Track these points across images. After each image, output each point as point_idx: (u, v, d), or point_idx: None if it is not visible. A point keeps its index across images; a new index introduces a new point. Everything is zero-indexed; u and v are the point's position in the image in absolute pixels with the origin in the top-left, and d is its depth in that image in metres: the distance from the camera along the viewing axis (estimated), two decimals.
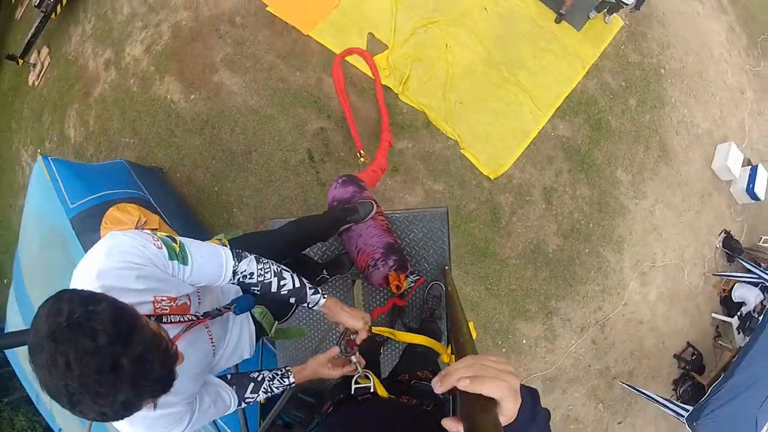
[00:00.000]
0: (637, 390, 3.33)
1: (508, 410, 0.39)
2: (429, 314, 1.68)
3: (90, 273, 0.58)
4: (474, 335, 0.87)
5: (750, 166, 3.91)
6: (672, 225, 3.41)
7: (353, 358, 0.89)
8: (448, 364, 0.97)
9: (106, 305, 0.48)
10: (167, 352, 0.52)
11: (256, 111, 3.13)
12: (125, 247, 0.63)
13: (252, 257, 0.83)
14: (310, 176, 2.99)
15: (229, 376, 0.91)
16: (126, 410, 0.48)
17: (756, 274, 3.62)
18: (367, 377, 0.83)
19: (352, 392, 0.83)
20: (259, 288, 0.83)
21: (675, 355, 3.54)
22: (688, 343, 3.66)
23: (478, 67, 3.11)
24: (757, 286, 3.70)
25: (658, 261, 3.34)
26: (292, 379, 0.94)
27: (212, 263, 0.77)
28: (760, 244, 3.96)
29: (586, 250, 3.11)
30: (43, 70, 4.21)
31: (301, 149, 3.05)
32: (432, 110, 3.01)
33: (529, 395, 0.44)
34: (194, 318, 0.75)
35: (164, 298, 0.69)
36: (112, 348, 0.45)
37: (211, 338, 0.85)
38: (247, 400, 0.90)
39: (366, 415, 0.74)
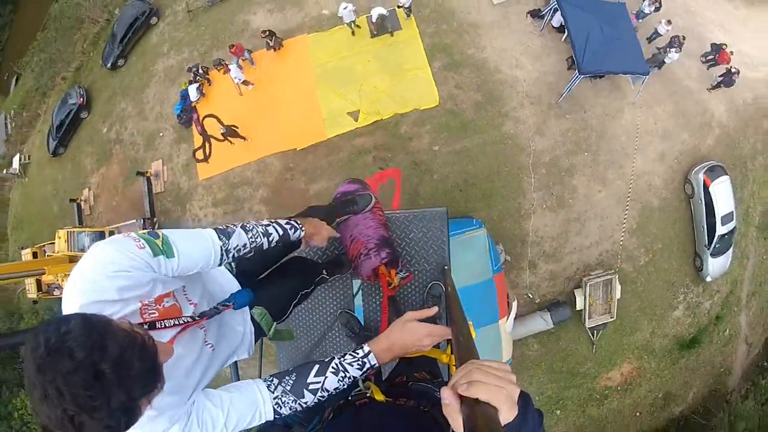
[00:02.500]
0: None
1: (503, 419, 0.42)
2: None
3: (73, 294, 0.61)
4: (473, 335, 0.89)
5: None
6: None
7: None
8: (448, 365, 0.98)
9: (75, 321, 0.49)
10: (144, 346, 0.52)
11: None
12: (107, 259, 0.63)
13: (238, 228, 0.81)
14: None
15: (290, 368, 0.85)
16: (126, 416, 0.48)
17: None
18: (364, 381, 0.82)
19: (350, 396, 0.83)
20: (252, 253, 0.82)
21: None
22: None
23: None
24: None
25: None
26: (372, 358, 0.81)
27: (199, 248, 0.76)
28: None
29: None
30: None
31: None
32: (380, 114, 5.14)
33: (522, 399, 0.46)
34: (189, 320, 0.75)
35: (151, 303, 0.69)
36: (91, 359, 0.46)
37: (206, 337, 0.83)
38: (311, 387, 0.79)
39: (366, 420, 0.74)
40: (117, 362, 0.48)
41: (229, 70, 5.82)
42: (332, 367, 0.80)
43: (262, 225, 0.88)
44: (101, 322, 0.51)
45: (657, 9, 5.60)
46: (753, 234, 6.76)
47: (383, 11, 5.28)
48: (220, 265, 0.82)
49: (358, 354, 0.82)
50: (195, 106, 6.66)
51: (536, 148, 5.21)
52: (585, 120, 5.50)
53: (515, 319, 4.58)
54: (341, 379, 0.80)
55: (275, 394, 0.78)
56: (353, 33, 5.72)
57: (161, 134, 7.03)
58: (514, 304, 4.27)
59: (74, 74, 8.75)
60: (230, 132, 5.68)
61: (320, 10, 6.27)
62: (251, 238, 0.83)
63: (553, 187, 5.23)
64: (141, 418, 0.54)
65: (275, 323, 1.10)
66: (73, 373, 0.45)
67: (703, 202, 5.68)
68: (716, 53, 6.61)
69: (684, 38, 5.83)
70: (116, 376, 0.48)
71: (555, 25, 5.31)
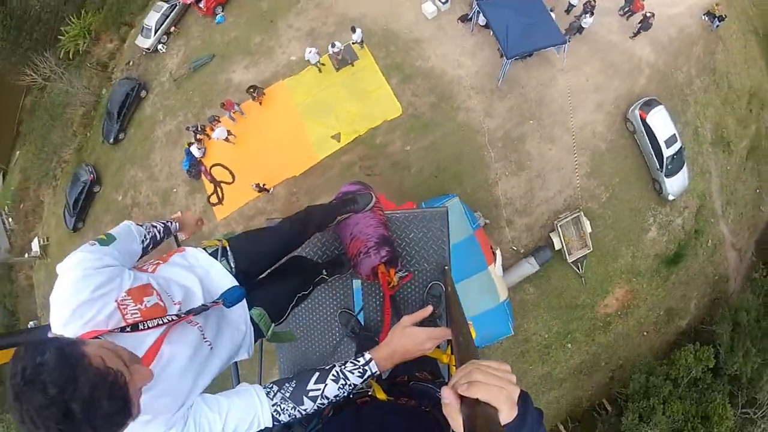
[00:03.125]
0: None
1: (503, 419, 0.50)
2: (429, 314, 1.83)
3: (56, 305, 0.80)
4: (473, 335, 1.05)
5: None
6: None
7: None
8: (448, 364, 1.19)
9: (50, 353, 0.59)
10: (115, 383, 0.61)
11: None
12: (75, 263, 0.84)
13: (138, 228, 1.09)
14: None
15: (290, 376, 0.96)
16: None
17: None
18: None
19: (350, 395, 0.95)
20: (151, 244, 1.12)
21: None
22: None
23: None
24: None
25: None
26: (373, 366, 0.91)
27: (125, 231, 1.03)
28: None
29: None
30: None
31: None
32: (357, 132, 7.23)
33: (522, 399, 0.54)
34: (174, 317, 0.88)
35: (127, 301, 0.85)
36: (63, 396, 0.56)
37: (205, 335, 0.97)
38: (311, 394, 0.89)
39: (368, 419, 0.87)
40: (87, 401, 0.58)
41: (218, 127, 7.74)
42: (332, 375, 0.91)
43: (152, 223, 1.20)
44: (75, 355, 0.61)
45: None
46: (708, 150, 8.45)
47: (340, 46, 7.39)
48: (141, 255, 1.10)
49: (359, 362, 0.92)
50: (201, 160, 8.76)
51: (489, 127, 7.24)
52: (524, 94, 7.52)
53: (506, 269, 6.50)
54: (341, 386, 0.91)
55: (274, 401, 0.89)
56: (320, 71, 7.88)
57: (174, 190, 8.87)
58: (498, 253, 6.17)
59: (76, 155, 10.50)
60: (258, 188, 7.07)
61: (288, 57, 8.44)
62: (146, 230, 1.15)
63: (511, 155, 7.27)
64: (134, 424, 0.65)
65: (273, 324, 1.29)
66: (45, 409, 0.56)
67: (645, 134, 7.37)
68: (630, 4, 8.55)
69: (595, 2, 7.68)
70: (85, 415, 0.58)
71: (482, 24, 7.26)
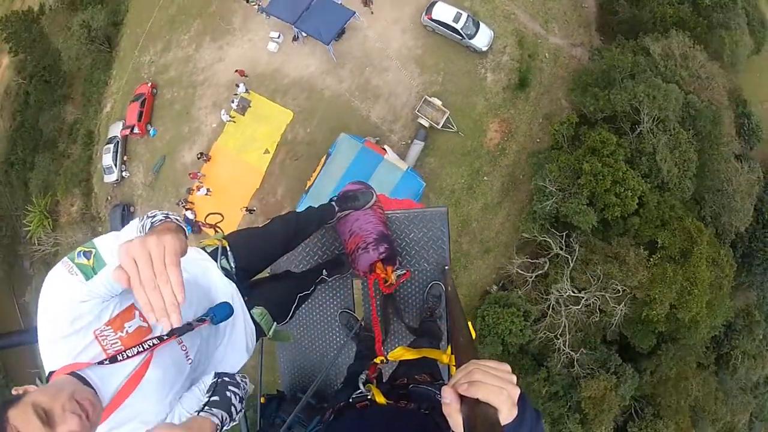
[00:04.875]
0: None
1: (503, 419, 0.65)
2: (429, 314, 2.68)
3: (39, 338, 1.12)
4: (474, 335, 1.50)
5: None
6: None
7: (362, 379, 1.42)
8: (448, 365, 1.68)
9: None
10: None
11: None
12: (51, 297, 1.12)
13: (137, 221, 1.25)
14: None
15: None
16: None
17: None
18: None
19: (351, 399, 1.32)
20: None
21: None
22: None
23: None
24: None
25: None
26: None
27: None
28: None
29: None
30: None
31: None
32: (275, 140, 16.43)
33: (521, 400, 0.70)
34: (156, 341, 1.18)
35: (107, 332, 1.15)
36: None
37: (187, 354, 1.32)
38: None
39: (371, 422, 1.17)
40: None
41: (198, 190, 17.25)
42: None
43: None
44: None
45: None
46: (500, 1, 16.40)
47: (236, 100, 16.45)
48: None
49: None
50: (197, 220, 17.66)
51: (345, 88, 15.39)
52: (353, 56, 15.78)
53: (406, 156, 14.94)
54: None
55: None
56: (235, 121, 16.81)
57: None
58: (387, 148, 14.47)
59: None
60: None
61: (211, 126, 17.31)
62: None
63: (367, 94, 14.83)
64: None
65: (275, 324, 1.75)
66: None
67: (438, 25, 14.40)
68: None
69: None
70: None
71: (305, 35, 16.12)
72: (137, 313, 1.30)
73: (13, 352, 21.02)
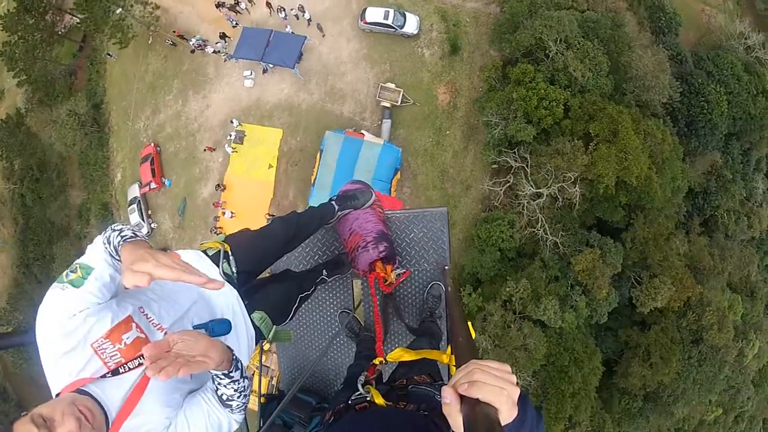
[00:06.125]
0: None
1: (503, 419, 0.83)
2: (429, 314, 3.40)
3: (42, 360, 1.62)
4: (473, 335, 2.12)
5: None
6: None
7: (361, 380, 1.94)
8: (448, 365, 2.30)
9: None
10: None
11: None
12: (47, 317, 1.60)
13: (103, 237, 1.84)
14: None
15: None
16: None
17: None
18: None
19: (350, 401, 1.65)
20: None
21: None
22: None
23: None
24: None
25: None
26: (215, 372, 1.79)
27: (98, 253, 1.83)
28: None
29: None
30: None
31: None
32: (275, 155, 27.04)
33: (521, 399, 0.86)
34: None
35: (105, 345, 1.54)
36: None
37: None
38: (226, 402, 1.91)
39: (366, 425, 1.49)
40: None
41: (224, 215, 26.74)
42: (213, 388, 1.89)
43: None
44: None
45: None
46: None
47: (233, 133, 26.32)
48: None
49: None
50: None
51: (315, 98, 24.42)
52: (317, 71, 24.87)
53: (381, 135, 24.73)
54: (227, 386, 1.85)
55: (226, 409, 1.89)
56: (237, 151, 26.43)
57: None
58: (364, 131, 24.03)
59: None
60: None
61: (218, 160, 26.78)
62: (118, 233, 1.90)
63: (335, 96, 23.63)
64: None
65: (275, 327, 2.23)
66: None
67: (373, 25, 23.65)
68: None
69: (303, 9, 26.13)
70: None
71: (272, 65, 25.91)
72: (134, 324, 1.82)
73: (30, 388, 30.05)
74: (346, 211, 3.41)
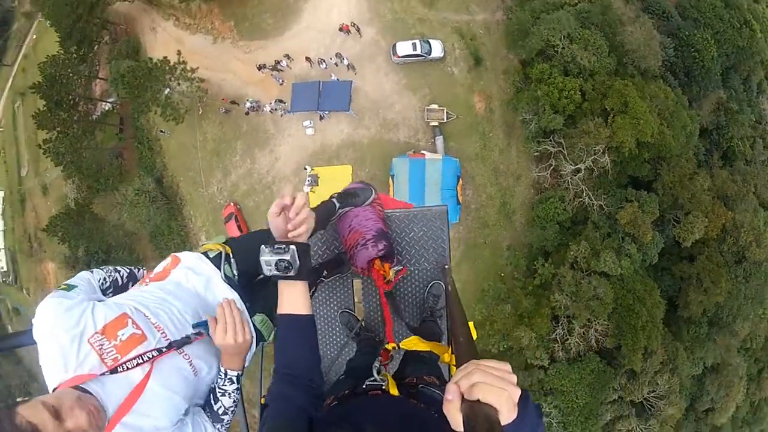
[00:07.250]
0: None
1: (503, 419, 1.21)
2: (429, 313, 4.30)
3: (41, 360, 2.34)
4: (474, 335, 2.53)
5: None
6: None
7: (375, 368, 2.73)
8: (449, 364, 3.45)
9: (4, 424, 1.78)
10: None
11: None
12: (48, 317, 2.36)
13: (99, 270, 3.05)
14: None
15: (202, 402, 2.69)
16: None
17: None
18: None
19: (364, 386, 2.52)
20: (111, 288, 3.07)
21: None
22: None
23: None
24: None
25: None
26: (231, 373, 2.63)
27: (85, 278, 2.94)
28: None
29: None
30: None
31: None
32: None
33: (521, 399, 1.28)
34: (156, 353, 2.20)
35: (101, 340, 2.23)
36: None
37: (190, 362, 2.44)
38: (221, 415, 2.72)
39: (384, 410, 2.26)
40: None
41: None
42: (219, 394, 2.64)
43: (116, 267, 3.09)
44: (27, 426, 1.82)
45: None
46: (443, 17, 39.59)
47: (309, 179, 39.03)
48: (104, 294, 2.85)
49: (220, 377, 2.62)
50: None
51: (374, 131, 37.11)
52: (368, 108, 35.65)
53: (437, 151, 37.55)
54: (223, 394, 2.67)
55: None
56: (314, 192, 38.42)
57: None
58: (425, 152, 36.99)
59: None
60: None
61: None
62: (106, 273, 2.89)
63: (389, 127, 35.11)
64: None
65: (276, 329, 2.86)
66: None
67: (404, 58, 36.45)
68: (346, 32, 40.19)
69: (344, 56, 38.30)
70: None
71: (327, 111, 38.80)
72: (130, 321, 2.31)
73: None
74: (347, 208, 4.14)
